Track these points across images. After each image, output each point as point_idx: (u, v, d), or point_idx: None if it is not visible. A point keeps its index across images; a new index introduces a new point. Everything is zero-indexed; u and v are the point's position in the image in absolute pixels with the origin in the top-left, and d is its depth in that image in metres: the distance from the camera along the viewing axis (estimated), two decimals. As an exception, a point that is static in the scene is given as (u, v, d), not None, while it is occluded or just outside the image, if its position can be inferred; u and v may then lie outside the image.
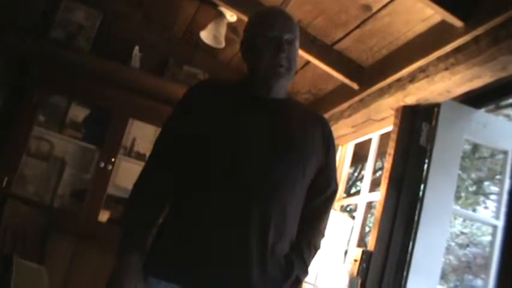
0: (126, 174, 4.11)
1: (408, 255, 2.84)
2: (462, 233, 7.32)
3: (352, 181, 8.18)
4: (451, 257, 7.04)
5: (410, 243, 2.85)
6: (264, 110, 1.93)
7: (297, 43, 1.97)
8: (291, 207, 1.88)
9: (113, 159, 3.89)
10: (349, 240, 3.52)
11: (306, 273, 1.95)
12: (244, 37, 2.02)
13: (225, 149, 1.85)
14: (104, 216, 3.94)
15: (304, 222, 1.97)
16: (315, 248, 2.00)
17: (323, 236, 2.05)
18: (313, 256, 1.99)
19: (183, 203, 1.89)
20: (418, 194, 2.94)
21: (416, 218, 2.88)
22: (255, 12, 2.09)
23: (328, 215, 2.08)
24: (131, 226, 1.85)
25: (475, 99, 3.00)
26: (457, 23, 2.50)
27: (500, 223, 2.94)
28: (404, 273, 2.82)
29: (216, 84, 2.12)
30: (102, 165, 3.87)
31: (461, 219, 7.24)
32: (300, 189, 1.93)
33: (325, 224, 2.07)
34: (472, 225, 7.41)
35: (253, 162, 1.83)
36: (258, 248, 1.79)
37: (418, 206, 2.90)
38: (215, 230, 1.79)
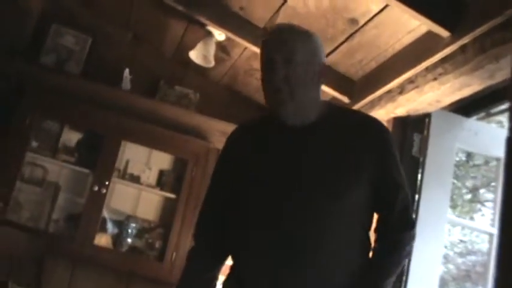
0: (121, 196, 4.13)
1: (405, 266, 2.83)
2: (462, 241, 7.29)
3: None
4: (451, 266, 7.01)
5: (407, 254, 2.84)
6: (287, 141, 1.84)
7: (301, 58, 1.80)
8: (328, 239, 1.76)
9: (106, 183, 3.88)
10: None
11: None
12: None
13: (248, 194, 1.88)
14: (100, 239, 3.92)
15: (381, 250, 1.87)
16: (389, 273, 1.85)
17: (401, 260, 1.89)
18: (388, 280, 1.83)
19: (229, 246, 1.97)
20: (413, 204, 2.94)
21: (412, 228, 2.86)
22: None
23: (408, 235, 1.90)
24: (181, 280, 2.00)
25: (466, 107, 3.02)
26: (443, 33, 2.51)
27: (496, 231, 2.93)
28: (402, 285, 2.81)
29: (246, 127, 2.07)
30: (96, 188, 3.86)
31: (460, 227, 7.22)
32: (341, 216, 1.78)
33: (406, 245, 1.89)
34: (471, 233, 7.39)
35: (272, 206, 1.80)
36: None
37: (413, 216, 2.89)
38: (251, 272, 1.82)
